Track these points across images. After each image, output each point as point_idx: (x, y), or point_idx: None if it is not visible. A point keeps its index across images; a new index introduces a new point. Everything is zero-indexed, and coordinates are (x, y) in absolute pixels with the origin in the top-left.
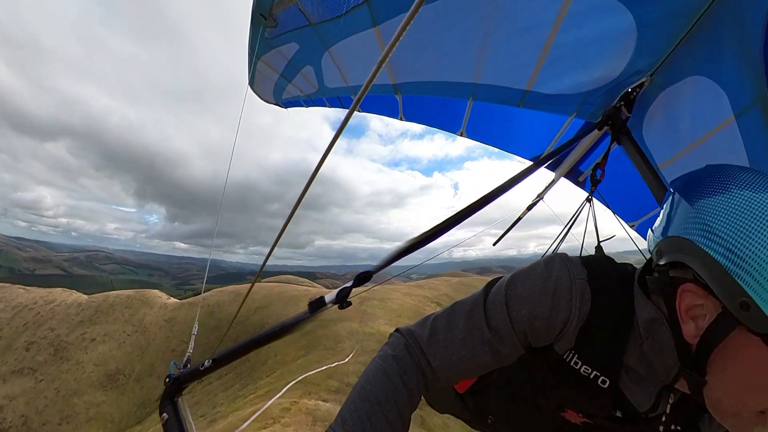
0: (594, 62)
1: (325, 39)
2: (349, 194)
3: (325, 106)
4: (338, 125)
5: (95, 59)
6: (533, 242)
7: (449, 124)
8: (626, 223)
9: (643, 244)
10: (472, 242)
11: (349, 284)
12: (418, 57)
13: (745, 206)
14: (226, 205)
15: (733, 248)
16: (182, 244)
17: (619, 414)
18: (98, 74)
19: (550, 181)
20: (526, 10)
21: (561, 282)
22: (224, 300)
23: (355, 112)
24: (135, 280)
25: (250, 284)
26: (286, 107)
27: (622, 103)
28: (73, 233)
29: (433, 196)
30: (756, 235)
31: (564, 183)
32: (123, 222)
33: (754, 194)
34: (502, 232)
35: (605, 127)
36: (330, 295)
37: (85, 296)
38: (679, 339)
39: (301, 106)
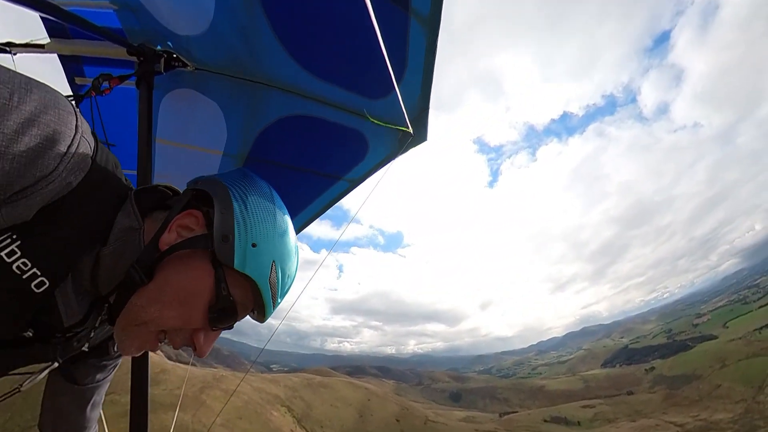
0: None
1: None
2: None
3: None
4: None
5: None
6: (413, 339)
7: None
8: None
9: None
10: (350, 333)
11: None
12: None
13: (266, 204)
14: None
15: (248, 209)
16: None
17: (29, 333)
18: None
19: (38, 42)
20: None
21: (64, 125)
22: None
23: None
24: None
25: None
26: None
27: (165, 56)
28: None
29: (318, 273)
30: (259, 213)
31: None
32: None
33: (274, 207)
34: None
35: (135, 59)
36: None
37: None
38: (153, 243)
39: None
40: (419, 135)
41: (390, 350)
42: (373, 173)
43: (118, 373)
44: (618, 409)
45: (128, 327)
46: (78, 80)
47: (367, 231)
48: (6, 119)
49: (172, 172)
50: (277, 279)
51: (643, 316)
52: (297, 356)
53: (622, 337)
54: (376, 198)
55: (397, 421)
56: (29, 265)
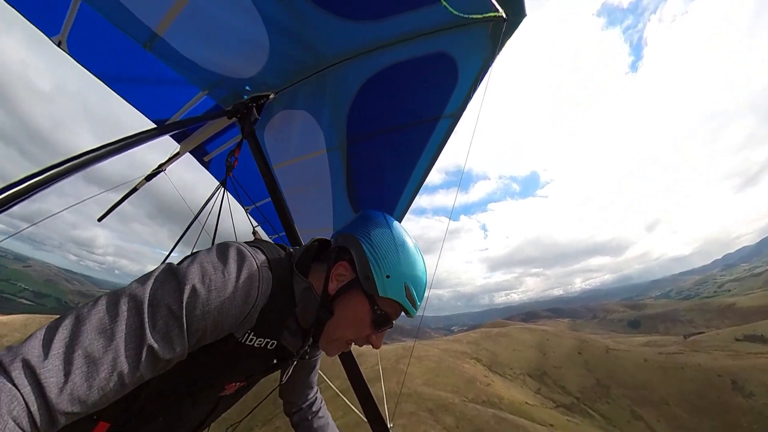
0: (227, 49)
1: None
2: None
3: None
4: None
5: None
6: (578, 277)
7: (41, 18)
8: (243, 206)
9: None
10: (514, 285)
11: None
12: None
13: (385, 234)
14: None
15: (375, 248)
16: None
17: (275, 361)
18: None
19: (174, 153)
20: None
21: (251, 269)
22: None
23: None
24: None
25: None
26: None
27: (254, 105)
28: (116, 271)
29: (463, 240)
30: (383, 247)
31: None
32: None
33: (391, 232)
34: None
35: (235, 119)
36: None
37: None
38: (325, 292)
39: None
40: (515, 12)
41: (557, 292)
42: (474, 93)
43: (325, 365)
44: None
45: (328, 343)
46: (206, 158)
47: (497, 184)
48: (226, 289)
49: (295, 185)
50: (412, 292)
51: None
52: (471, 315)
53: None
54: (497, 143)
55: (579, 353)
56: (263, 340)
